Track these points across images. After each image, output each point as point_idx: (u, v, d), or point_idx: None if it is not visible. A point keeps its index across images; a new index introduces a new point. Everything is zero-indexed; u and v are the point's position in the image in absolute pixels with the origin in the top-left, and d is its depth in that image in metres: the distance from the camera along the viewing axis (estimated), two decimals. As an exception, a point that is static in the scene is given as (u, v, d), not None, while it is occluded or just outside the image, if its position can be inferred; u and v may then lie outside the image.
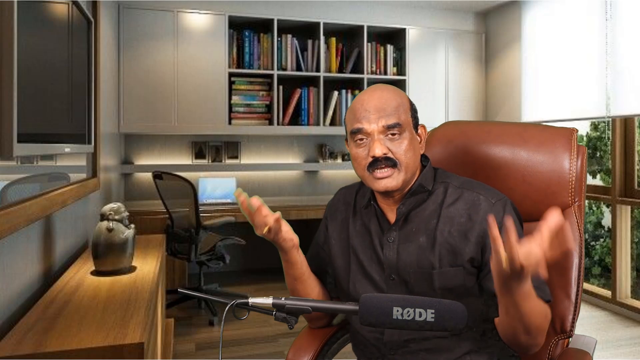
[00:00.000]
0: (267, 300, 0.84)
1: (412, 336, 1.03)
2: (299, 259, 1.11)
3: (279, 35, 4.02)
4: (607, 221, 5.48)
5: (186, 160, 4.09)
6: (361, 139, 1.03)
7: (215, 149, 4.14)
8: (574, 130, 1.27)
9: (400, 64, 4.30)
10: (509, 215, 1.01)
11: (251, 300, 0.83)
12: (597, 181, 5.33)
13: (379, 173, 1.01)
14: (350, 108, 1.07)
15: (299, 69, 4.05)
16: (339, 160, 4.39)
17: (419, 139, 1.08)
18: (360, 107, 1.03)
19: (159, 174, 3.11)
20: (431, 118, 4.32)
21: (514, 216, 1.04)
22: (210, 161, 4.12)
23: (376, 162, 1.01)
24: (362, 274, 1.10)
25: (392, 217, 1.10)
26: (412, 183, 1.07)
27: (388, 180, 1.01)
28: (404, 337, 1.04)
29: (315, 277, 1.19)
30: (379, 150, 1.00)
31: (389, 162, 1.01)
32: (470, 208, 1.04)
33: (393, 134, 1.01)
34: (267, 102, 4.00)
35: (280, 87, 3.98)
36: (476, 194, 1.05)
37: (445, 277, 1.02)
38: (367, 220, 1.13)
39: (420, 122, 1.16)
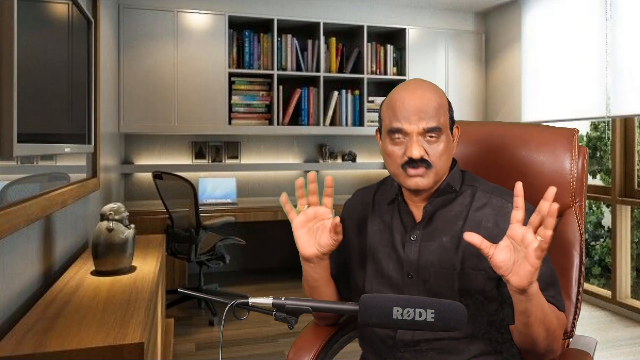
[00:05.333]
0: (267, 300, 0.83)
1: (425, 337, 1.03)
2: (324, 267, 1.10)
3: (279, 35, 4.02)
4: (607, 221, 5.48)
5: (186, 160, 4.09)
6: (398, 137, 1.02)
7: (215, 149, 4.14)
8: (575, 131, 1.27)
9: (400, 64, 4.30)
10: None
11: (251, 300, 0.83)
12: (597, 181, 5.33)
13: (413, 170, 1.01)
14: (388, 103, 1.05)
15: (299, 69, 4.05)
16: (339, 160, 4.39)
17: (452, 138, 1.08)
18: (401, 106, 1.02)
19: (159, 174, 3.11)
20: (431, 118, 4.31)
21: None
22: (210, 161, 4.12)
23: (412, 162, 1.01)
24: (379, 273, 1.10)
25: (417, 213, 1.10)
26: (441, 183, 1.07)
27: (420, 179, 1.01)
28: (417, 336, 1.04)
29: (332, 280, 1.17)
30: (416, 152, 0.99)
31: (424, 163, 1.01)
32: (498, 214, 1.04)
33: (431, 136, 1.01)
34: (267, 102, 4.00)
35: (280, 87, 3.98)
36: (505, 201, 1.05)
37: (467, 280, 1.02)
38: (389, 217, 1.12)
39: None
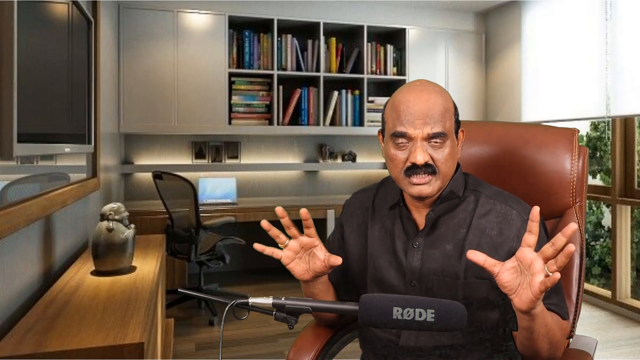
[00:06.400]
0: (267, 300, 0.83)
1: (428, 344, 1.03)
2: (322, 282, 1.08)
3: (279, 35, 4.02)
4: (607, 221, 5.48)
5: (186, 160, 4.09)
6: (402, 142, 0.99)
7: (215, 149, 4.14)
8: (575, 131, 1.27)
9: (400, 64, 4.30)
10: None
11: (251, 300, 0.83)
12: (597, 181, 5.33)
13: (416, 179, 0.98)
14: (393, 104, 1.01)
15: (299, 69, 4.05)
16: (339, 160, 4.39)
17: (457, 142, 1.05)
18: (406, 109, 0.98)
19: (159, 174, 3.11)
20: (431, 118, 4.31)
21: (543, 232, 1.03)
22: (210, 161, 4.12)
23: (415, 168, 0.97)
24: (380, 280, 1.08)
25: (419, 219, 1.07)
26: (443, 188, 1.04)
27: (424, 187, 0.98)
28: (420, 343, 1.03)
29: (331, 286, 1.16)
30: (420, 158, 0.96)
31: (429, 169, 0.98)
32: (502, 222, 1.02)
33: (436, 142, 0.98)
34: (267, 102, 4.00)
35: (280, 87, 3.98)
36: (509, 208, 1.03)
37: (470, 289, 1.00)
38: (390, 223, 1.10)
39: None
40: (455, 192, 1.04)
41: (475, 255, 0.84)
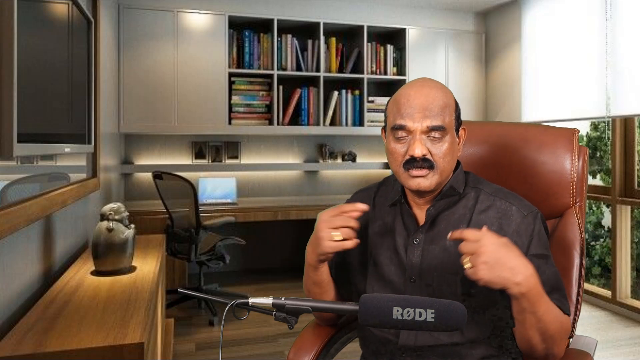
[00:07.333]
0: (267, 300, 0.83)
1: (428, 343, 1.03)
2: (326, 268, 1.10)
3: (279, 35, 4.02)
4: (607, 221, 5.48)
5: (186, 160, 4.09)
6: (402, 135, 1.01)
7: (215, 149, 4.14)
8: (575, 131, 1.27)
9: (400, 64, 4.30)
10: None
11: (251, 300, 0.83)
12: (597, 181, 5.33)
13: (415, 171, 1.00)
14: (394, 99, 1.04)
15: (299, 69, 4.05)
16: (339, 160, 4.39)
17: (458, 140, 1.06)
18: (406, 103, 1.00)
19: (159, 174, 3.11)
20: (431, 118, 4.31)
21: (543, 229, 1.04)
22: (210, 161, 4.12)
23: (413, 161, 0.99)
24: (380, 277, 1.08)
25: (419, 216, 1.08)
26: (444, 185, 1.05)
27: (422, 179, 1.00)
28: (420, 342, 1.03)
29: (332, 280, 1.16)
30: (419, 151, 0.98)
31: (427, 163, 0.99)
32: (502, 218, 1.03)
33: (435, 136, 0.99)
34: (267, 102, 4.00)
35: (280, 87, 3.98)
36: (509, 204, 1.04)
37: (470, 285, 1.00)
38: (391, 219, 1.11)
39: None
40: (455, 188, 1.06)
41: (455, 234, 0.89)
